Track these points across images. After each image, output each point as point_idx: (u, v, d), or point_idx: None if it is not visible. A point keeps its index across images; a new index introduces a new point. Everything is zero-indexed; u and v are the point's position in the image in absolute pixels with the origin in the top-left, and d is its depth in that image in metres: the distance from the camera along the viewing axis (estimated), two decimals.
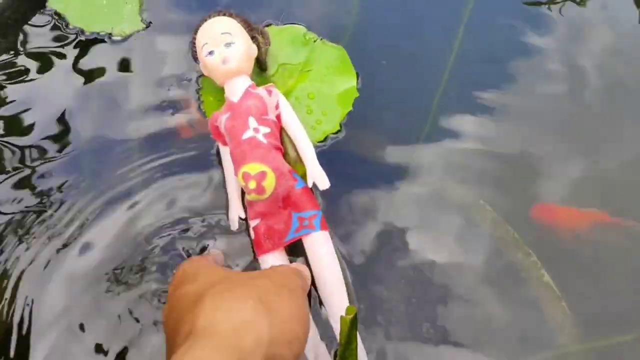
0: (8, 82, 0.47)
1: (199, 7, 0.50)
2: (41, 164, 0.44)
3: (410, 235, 0.42)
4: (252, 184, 0.38)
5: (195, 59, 0.44)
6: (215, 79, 0.43)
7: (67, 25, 0.49)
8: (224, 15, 0.43)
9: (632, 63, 0.51)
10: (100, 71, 0.47)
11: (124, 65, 0.48)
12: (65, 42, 0.49)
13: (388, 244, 0.41)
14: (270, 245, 0.40)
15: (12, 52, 0.49)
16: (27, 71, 0.48)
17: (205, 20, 0.43)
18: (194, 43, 0.43)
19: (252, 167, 0.38)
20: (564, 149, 0.46)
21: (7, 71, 0.48)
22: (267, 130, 0.40)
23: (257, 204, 0.40)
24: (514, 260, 0.41)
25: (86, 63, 0.48)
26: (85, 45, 0.48)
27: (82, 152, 0.44)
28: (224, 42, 0.41)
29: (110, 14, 0.50)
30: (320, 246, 0.39)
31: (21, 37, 0.50)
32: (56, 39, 0.49)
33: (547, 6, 0.54)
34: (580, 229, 0.42)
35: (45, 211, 0.42)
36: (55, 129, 0.45)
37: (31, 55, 0.48)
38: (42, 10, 0.50)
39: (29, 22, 0.50)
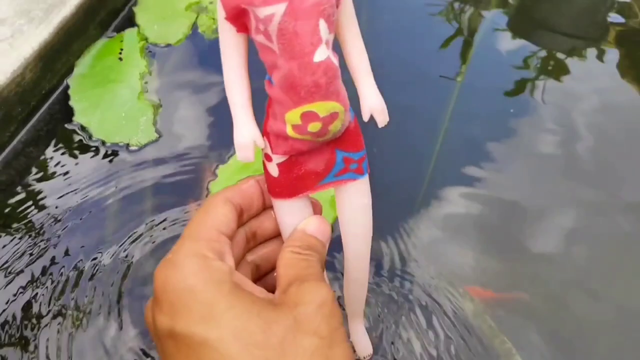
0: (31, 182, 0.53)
1: (208, 120, 0.56)
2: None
3: (393, 322, 0.44)
4: (314, 127, 0.28)
5: None
6: None
7: (90, 137, 0.56)
8: None
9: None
10: (118, 179, 0.53)
11: (139, 174, 0.53)
12: (87, 152, 0.55)
13: (372, 332, 0.44)
14: (299, 189, 0.31)
15: (42, 159, 0.55)
16: (52, 175, 0.54)
17: None
18: None
19: (324, 107, 0.28)
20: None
21: (35, 175, 0.54)
22: (332, 38, 0.27)
23: (297, 140, 0.29)
24: (491, 348, 0.43)
25: (104, 172, 0.53)
26: (104, 156, 0.54)
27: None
28: None
29: (128, 125, 0.56)
30: (362, 197, 0.32)
31: (51, 147, 0.56)
32: (80, 149, 0.55)
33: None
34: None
35: None
36: (70, 227, 0.50)
37: (57, 164, 0.54)
38: (69, 124, 0.57)
39: (58, 134, 0.57)
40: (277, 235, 0.33)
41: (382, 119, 0.31)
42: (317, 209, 0.33)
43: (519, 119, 0.58)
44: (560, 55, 0.65)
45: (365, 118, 0.31)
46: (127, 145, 0.55)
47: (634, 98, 0.61)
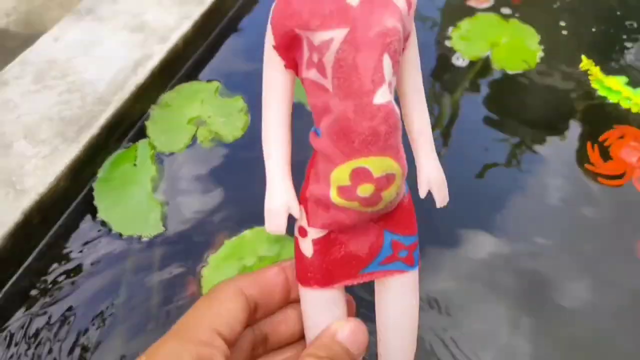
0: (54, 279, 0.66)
1: (206, 214, 0.69)
2: None
3: None
4: (365, 190, 0.23)
5: None
6: None
7: (110, 230, 0.68)
8: None
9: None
10: (131, 264, 0.66)
11: (146, 263, 0.66)
12: (107, 243, 0.68)
13: None
14: (336, 276, 0.25)
15: (70, 250, 0.68)
16: (78, 268, 0.66)
17: None
18: None
19: (380, 164, 0.22)
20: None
21: (64, 263, 0.67)
22: (394, 82, 0.23)
23: (341, 210, 0.24)
24: None
25: (119, 262, 0.66)
26: (121, 246, 0.67)
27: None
28: None
29: (141, 220, 0.69)
30: (410, 296, 0.26)
31: (77, 240, 0.69)
32: (101, 241, 0.68)
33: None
34: None
35: None
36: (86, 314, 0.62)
37: (83, 253, 0.67)
38: (93, 220, 0.70)
39: (84, 229, 0.70)
40: (295, 341, 0.27)
41: (441, 197, 0.26)
42: (351, 310, 0.27)
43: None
44: (527, 142, 0.74)
45: (422, 193, 0.26)
46: (140, 237, 0.67)
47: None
